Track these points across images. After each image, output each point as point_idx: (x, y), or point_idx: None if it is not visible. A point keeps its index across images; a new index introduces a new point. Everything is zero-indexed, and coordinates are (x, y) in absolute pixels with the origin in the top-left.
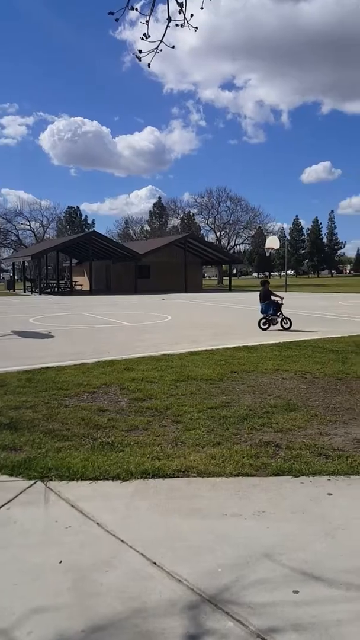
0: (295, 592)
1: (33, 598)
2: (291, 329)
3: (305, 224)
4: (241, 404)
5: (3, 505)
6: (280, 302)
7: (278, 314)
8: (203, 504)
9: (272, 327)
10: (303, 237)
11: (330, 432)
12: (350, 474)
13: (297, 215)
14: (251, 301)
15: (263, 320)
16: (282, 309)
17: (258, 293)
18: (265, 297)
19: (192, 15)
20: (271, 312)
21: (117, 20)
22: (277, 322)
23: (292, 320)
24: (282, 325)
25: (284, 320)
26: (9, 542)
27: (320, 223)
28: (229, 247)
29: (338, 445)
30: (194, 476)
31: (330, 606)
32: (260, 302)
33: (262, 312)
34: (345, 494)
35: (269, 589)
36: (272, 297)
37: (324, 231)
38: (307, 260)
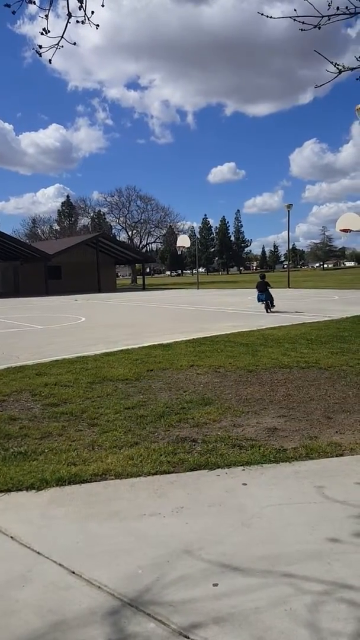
0: (215, 585)
1: None
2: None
3: (214, 222)
4: (158, 401)
5: None
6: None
7: (270, 300)
8: (122, 506)
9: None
10: (212, 235)
11: (243, 423)
12: (262, 463)
13: (205, 215)
14: (165, 299)
15: (264, 305)
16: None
17: (176, 289)
18: (263, 288)
19: (92, 12)
20: (264, 298)
21: (14, 13)
22: (274, 305)
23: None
24: (266, 310)
25: (271, 304)
26: None
27: (228, 222)
28: (141, 246)
29: (251, 435)
30: (112, 479)
31: (248, 595)
32: (258, 292)
33: (259, 299)
34: (259, 482)
35: (190, 585)
36: (269, 289)
37: (232, 230)
38: (217, 258)
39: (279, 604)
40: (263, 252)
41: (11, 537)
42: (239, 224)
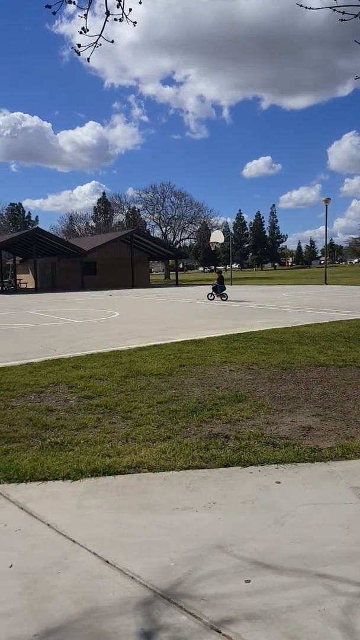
0: (247, 581)
1: None
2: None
3: (248, 218)
4: (190, 397)
5: None
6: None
7: (224, 291)
8: (154, 499)
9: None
10: (246, 231)
11: (277, 421)
12: (297, 462)
13: (240, 210)
14: (198, 295)
15: (211, 295)
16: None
17: (209, 285)
18: (220, 281)
19: (130, 10)
20: (219, 288)
21: (54, 13)
22: (225, 296)
23: (228, 296)
24: (221, 298)
25: (224, 295)
26: None
27: (263, 217)
28: (174, 242)
29: (285, 433)
30: (145, 472)
31: (281, 593)
32: (217, 283)
33: (214, 288)
34: (293, 481)
35: (222, 581)
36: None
37: (267, 225)
38: (250, 254)
39: (313, 603)
40: (299, 247)
41: (48, 525)
42: (274, 219)
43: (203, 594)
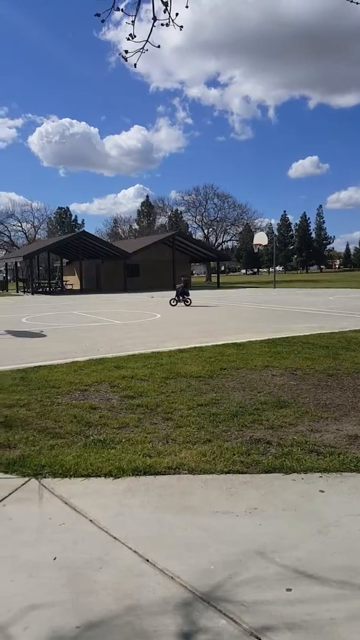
0: (289, 590)
1: (29, 594)
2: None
3: (294, 219)
4: (231, 400)
5: None
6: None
7: (187, 296)
8: (194, 501)
9: (179, 304)
10: (291, 232)
11: (321, 429)
12: (342, 471)
13: (285, 211)
14: (240, 298)
15: (173, 300)
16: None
17: (252, 287)
18: (185, 286)
19: (177, 14)
20: (182, 292)
21: (103, 21)
22: (189, 300)
23: (192, 300)
24: (185, 303)
25: (187, 299)
26: (5, 538)
27: (309, 218)
28: (216, 244)
29: (330, 442)
30: (185, 473)
31: (324, 605)
32: (180, 288)
33: (179, 293)
34: (338, 491)
35: (262, 587)
36: (186, 287)
37: (313, 226)
38: (295, 256)
39: (357, 617)
40: (347, 249)
41: (90, 521)
42: (321, 220)
43: (243, 600)
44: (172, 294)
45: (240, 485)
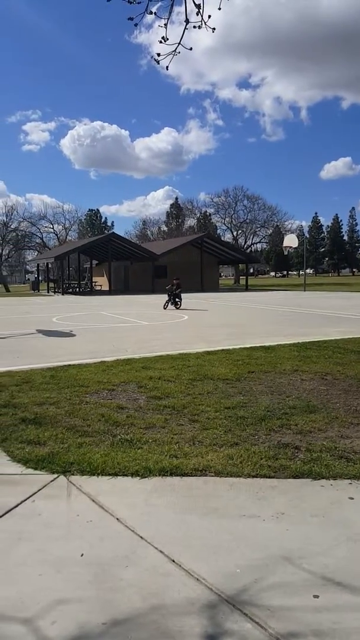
0: (316, 597)
1: (56, 589)
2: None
3: (325, 221)
4: (259, 404)
5: (28, 498)
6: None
7: (178, 299)
8: (221, 504)
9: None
10: (323, 234)
11: (352, 435)
12: None
13: (316, 213)
14: (269, 301)
15: (166, 303)
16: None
17: (281, 290)
18: (177, 288)
19: (209, 16)
20: (174, 294)
21: (136, 25)
22: (179, 303)
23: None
24: (175, 306)
25: (177, 302)
26: (34, 533)
27: (341, 220)
28: (245, 246)
29: None
30: (212, 476)
31: (352, 613)
32: (172, 291)
33: (171, 295)
34: None
35: (289, 593)
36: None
37: (345, 228)
38: (327, 259)
39: None
40: None
41: (117, 519)
42: (354, 222)
43: (269, 604)
44: (200, 296)
45: (268, 489)
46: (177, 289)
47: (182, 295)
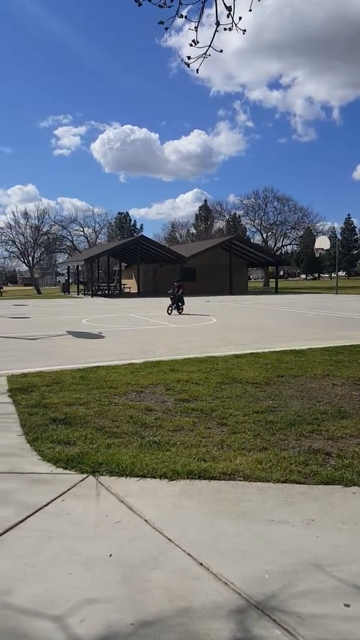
0: (347, 605)
1: (86, 588)
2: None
3: (358, 223)
4: (289, 409)
5: (58, 497)
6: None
7: (180, 303)
8: (249, 508)
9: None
10: (356, 236)
11: None
12: None
13: (349, 214)
14: (299, 304)
15: (170, 308)
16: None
17: (312, 293)
18: (178, 291)
19: (240, 18)
20: (177, 299)
21: (166, 29)
22: (182, 308)
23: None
24: (178, 311)
25: (180, 307)
26: (63, 532)
27: None
28: (275, 248)
29: None
30: (240, 480)
31: None
32: (174, 294)
33: (174, 300)
34: None
35: (319, 600)
36: (180, 292)
37: None
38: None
39: None
40: None
41: (145, 520)
42: None
43: (298, 611)
44: (229, 298)
45: (297, 495)
46: (179, 291)
47: (210, 297)
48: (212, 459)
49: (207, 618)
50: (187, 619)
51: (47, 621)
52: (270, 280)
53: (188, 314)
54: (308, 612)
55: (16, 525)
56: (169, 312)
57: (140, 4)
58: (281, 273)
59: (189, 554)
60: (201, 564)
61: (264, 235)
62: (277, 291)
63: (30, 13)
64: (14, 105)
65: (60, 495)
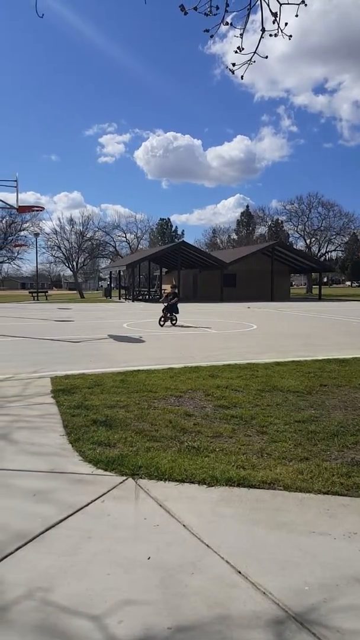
0: None
1: (124, 589)
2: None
3: None
4: (331, 419)
5: (98, 498)
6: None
7: (174, 313)
8: (289, 519)
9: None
10: None
11: None
12: None
13: None
14: (343, 312)
15: (162, 319)
16: None
17: (356, 300)
18: (173, 298)
19: (286, 24)
20: (170, 308)
21: (212, 36)
22: (175, 319)
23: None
24: (172, 322)
25: (174, 317)
26: (103, 533)
27: None
28: (319, 254)
29: None
30: (280, 489)
31: None
32: (168, 302)
33: (167, 309)
34: None
35: None
36: (174, 300)
37: None
38: None
39: None
40: None
41: (183, 525)
42: None
43: (339, 626)
44: (271, 305)
45: (339, 507)
46: (173, 299)
47: (251, 303)
48: (252, 467)
49: (245, 627)
50: (225, 627)
51: (86, 620)
52: (314, 287)
53: (227, 322)
54: (350, 628)
55: (57, 523)
56: (161, 323)
57: (186, 13)
58: (325, 280)
59: (227, 562)
60: (239, 572)
61: (308, 241)
62: (320, 298)
63: (75, 26)
64: (61, 114)
65: (101, 496)
